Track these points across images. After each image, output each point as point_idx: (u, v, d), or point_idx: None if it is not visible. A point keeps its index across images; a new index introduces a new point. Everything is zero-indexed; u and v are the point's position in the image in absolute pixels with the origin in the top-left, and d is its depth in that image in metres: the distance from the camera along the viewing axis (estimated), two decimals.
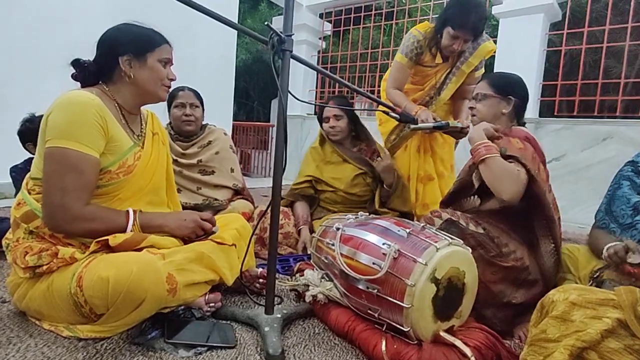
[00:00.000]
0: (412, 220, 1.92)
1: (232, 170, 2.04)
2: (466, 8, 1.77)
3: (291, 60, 1.13)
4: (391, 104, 1.84)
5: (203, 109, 2.02)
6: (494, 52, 1.95)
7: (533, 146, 1.36)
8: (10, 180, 1.89)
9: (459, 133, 1.86)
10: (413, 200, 2.11)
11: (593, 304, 0.82)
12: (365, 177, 2.00)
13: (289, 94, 1.13)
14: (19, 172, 1.85)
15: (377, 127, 2.33)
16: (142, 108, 1.28)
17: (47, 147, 1.03)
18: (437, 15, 5.70)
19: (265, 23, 1.05)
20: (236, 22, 5.08)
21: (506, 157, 1.26)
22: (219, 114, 4.42)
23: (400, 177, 2.00)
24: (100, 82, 1.17)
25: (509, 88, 1.43)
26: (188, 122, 1.93)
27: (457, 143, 2.28)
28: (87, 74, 1.16)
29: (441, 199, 1.59)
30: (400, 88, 2.04)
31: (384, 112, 1.60)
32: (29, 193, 1.09)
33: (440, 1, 5.05)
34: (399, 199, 1.99)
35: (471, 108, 1.48)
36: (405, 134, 2.11)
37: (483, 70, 2.02)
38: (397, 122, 2.03)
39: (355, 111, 2.12)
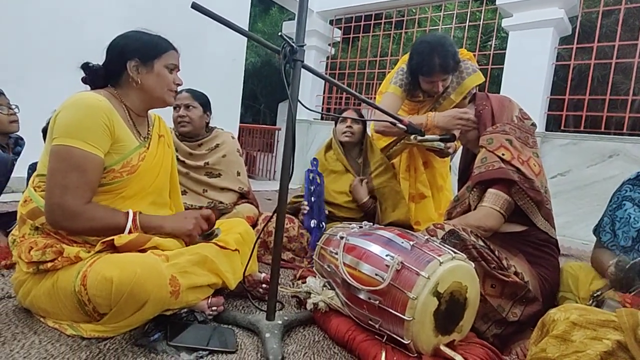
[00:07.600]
0: None
1: (238, 174, 2.05)
2: (428, 54, 1.74)
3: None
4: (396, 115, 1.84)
5: (206, 110, 2.01)
6: (481, 82, 1.95)
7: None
8: (19, 175, 1.91)
9: (441, 152, 1.88)
10: None
11: (594, 325, 0.82)
12: None
13: (298, 103, 1.14)
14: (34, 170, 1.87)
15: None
16: (150, 112, 1.30)
17: (54, 144, 1.05)
18: (446, 26, 5.63)
19: (279, 34, 1.07)
20: (247, 26, 5.14)
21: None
22: (227, 116, 4.45)
23: (392, 190, 2.00)
24: (109, 85, 1.20)
25: None
26: (182, 124, 1.95)
27: (453, 154, 2.29)
28: (96, 77, 1.19)
29: (446, 209, 1.60)
30: None
31: (391, 122, 1.61)
32: (35, 190, 1.11)
33: (450, 12, 5.08)
34: (393, 211, 1.98)
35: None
36: (397, 149, 2.10)
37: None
38: (391, 140, 2.07)
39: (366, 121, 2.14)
